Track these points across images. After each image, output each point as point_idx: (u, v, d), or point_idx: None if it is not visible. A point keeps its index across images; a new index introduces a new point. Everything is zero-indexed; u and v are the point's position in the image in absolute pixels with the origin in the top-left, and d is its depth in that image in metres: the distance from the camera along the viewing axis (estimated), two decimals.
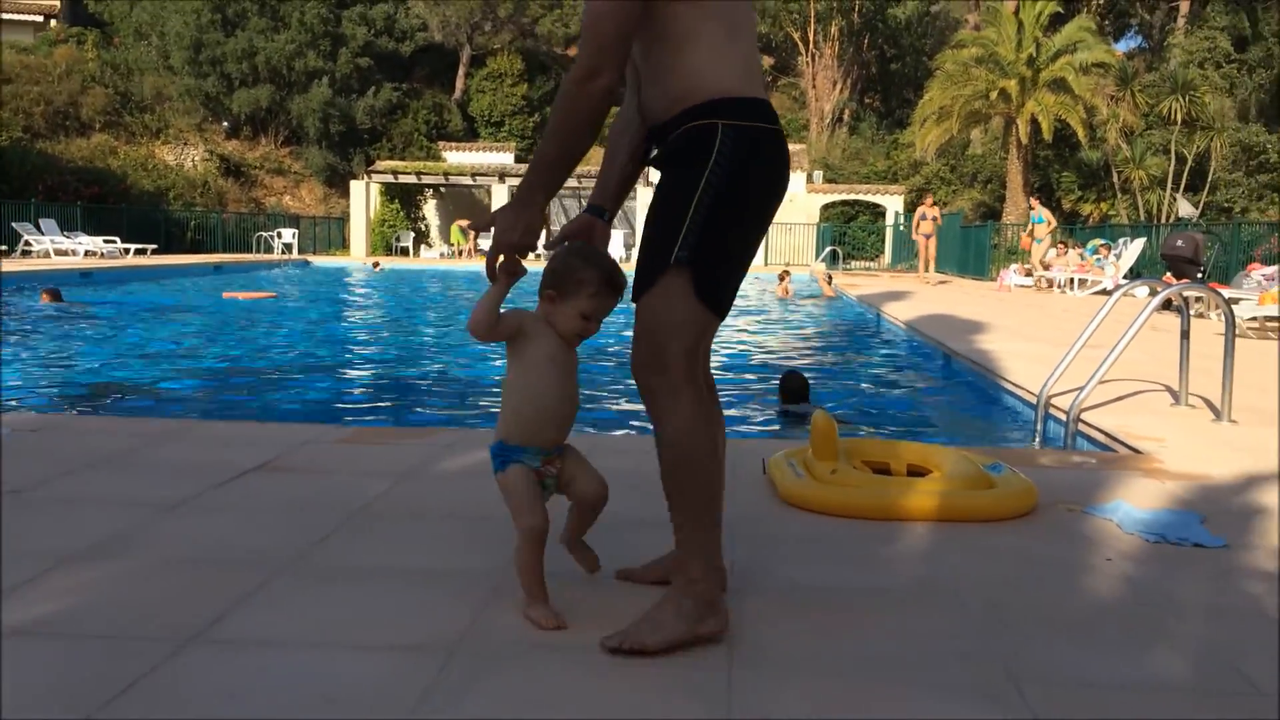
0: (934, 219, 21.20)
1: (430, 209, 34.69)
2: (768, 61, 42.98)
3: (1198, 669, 2.12)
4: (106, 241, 24.56)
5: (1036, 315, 12.55)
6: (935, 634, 2.27)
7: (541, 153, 2.15)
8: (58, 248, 23.00)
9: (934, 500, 3.16)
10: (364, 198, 31.34)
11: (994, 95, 28.31)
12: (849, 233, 33.68)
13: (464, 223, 31.71)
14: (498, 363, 9.17)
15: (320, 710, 1.85)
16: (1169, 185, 28.92)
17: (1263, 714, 1.92)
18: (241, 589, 2.43)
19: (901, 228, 31.39)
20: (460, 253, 31.88)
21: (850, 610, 2.40)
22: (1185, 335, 5.41)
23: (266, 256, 28.33)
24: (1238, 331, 7.32)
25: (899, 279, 22.96)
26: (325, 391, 7.38)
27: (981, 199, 34.13)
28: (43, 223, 24.23)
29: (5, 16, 36.43)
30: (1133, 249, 18.68)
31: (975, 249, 25.05)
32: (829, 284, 18.10)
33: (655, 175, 2.33)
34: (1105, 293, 16.86)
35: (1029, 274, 20.40)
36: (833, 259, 28.24)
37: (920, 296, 15.64)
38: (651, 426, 2.19)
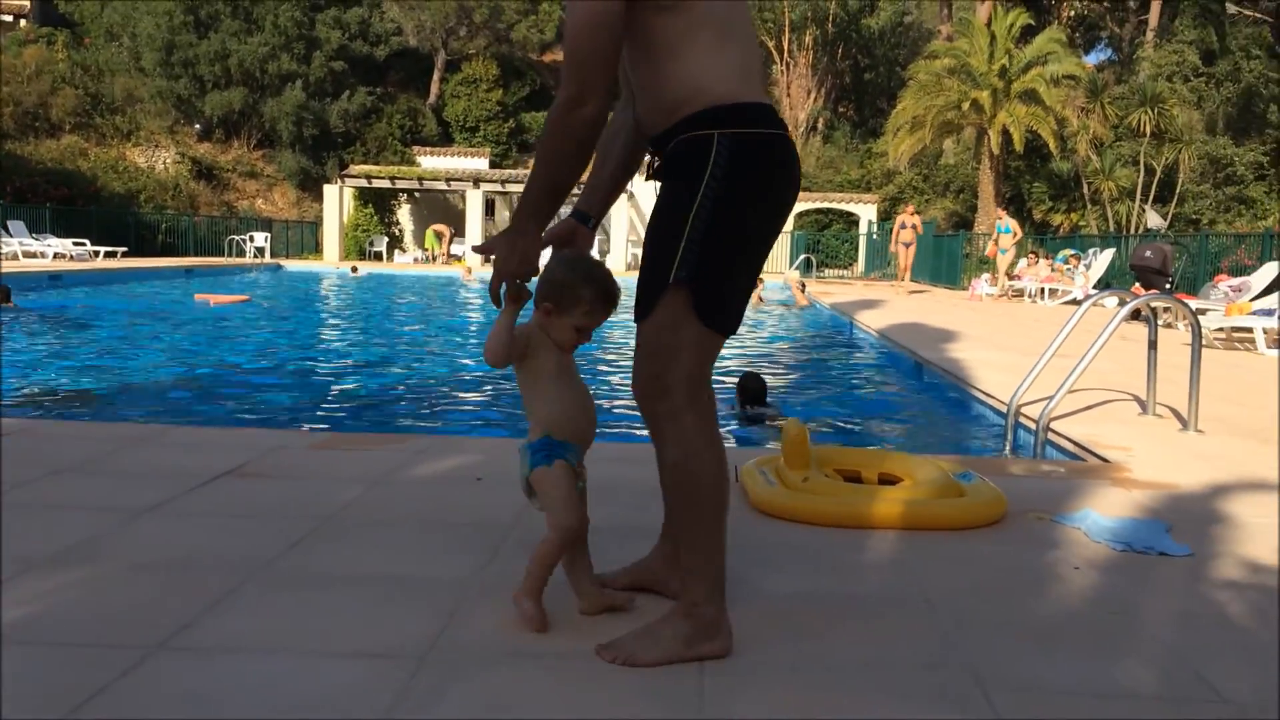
0: (914, 228, 20.89)
1: (404, 214, 34.55)
2: None
3: (1163, 676, 2.14)
4: (76, 244, 24.31)
5: (1007, 324, 12.65)
6: (904, 641, 2.28)
7: (532, 181, 2.11)
8: (26, 250, 22.73)
9: (904, 508, 3.18)
10: (337, 202, 31.17)
11: (966, 106, 28.53)
12: (823, 241, 33.83)
13: (451, 242, 31.61)
14: (472, 365, 9.16)
15: (290, 717, 1.85)
16: (1138, 196, 29.23)
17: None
18: (211, 595, 2.42)
19: (875, 236, 31.57)
20: (433, 258, 31.78)
21: (820, 617, 2.41)
22: (1153, 345, 5.47)
23: (239, 260, 28.13)
24: (1204, 342, 7.41)
25: (872, 287, 23.06)
26: (298, 396, 7.34)
27: (954, 208, 34.37)
28: (11, 225, 23.93)
29: None
30: (1102, 259, 18.88)
31: (948, 258, 25.23)
32: (802, 292, 18.16)
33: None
34: (1075, 302, 17.02)
35: (996, 283, 20.47)
36: (806, 267, 28.35)
37: (893, 305, 15.73)
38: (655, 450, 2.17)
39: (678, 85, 2.08)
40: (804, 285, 19.06)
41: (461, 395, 7.67)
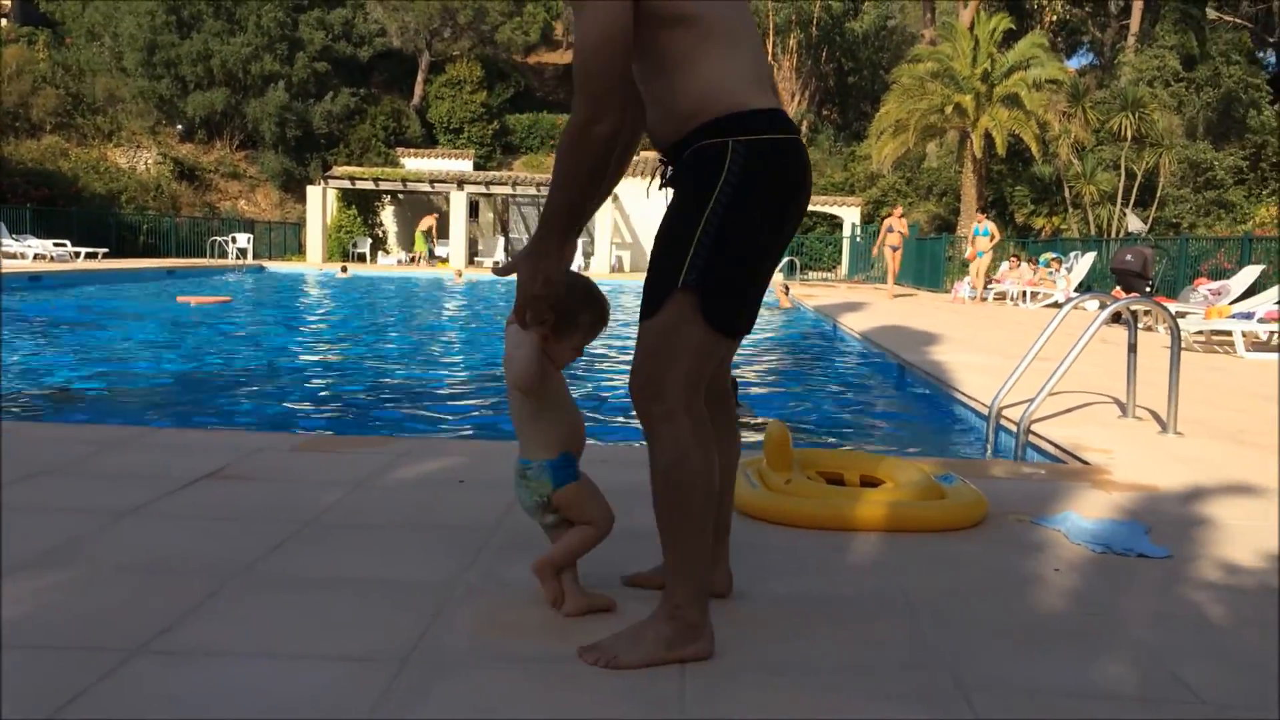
0: (901, 232, 20.55)
1: (388, 215, 34.47)
2: None
3: (1141, 677, 2.16)
4: (56, 245, 24.16)
5: (989, 327, 12.72)
6: (885, 642, 2.29)
7: (551, 202, 2.10)
8: (6, 251, 22.57)
9: (886, 511, 3.20)
10: (320, 203, 31.06)
11: (949, 109, 28.66)
12: (806, 244, 33.91)
13: (436, 233, 31.53)
14: (455, 367, 9.14)
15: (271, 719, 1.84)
16: (1119, 200, 29.43)
17: None
18: (191, 598, 2.41)
19: (858, 239, 31.66)
20: (415, 259, 31.72)
21: (802, 619, 2.42)
22: (1133, 348, 5.51)
23: (221, 261, 28.00)
24: (1184, 345, 7.47)
25: (856, 290, 23.12)
26: (281, 398, 7.32)
27: (937, 212, 34.52)
28: None
29: None
30: (1083, 263, 19.00)
31: (930, 261, 25.35)
32: (786, 295, 18.20)
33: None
34: (1056, 305, 17.13)
35: (974, 286, 20.49)
36: (790, 269, 28.41)
37: (875, 308, 15.78)
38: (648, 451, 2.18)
39: (691, 95, 2.10)
40: (787, 288, 19.10)
41: (445, 398, 7.66)
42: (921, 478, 3.47)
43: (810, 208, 35.29)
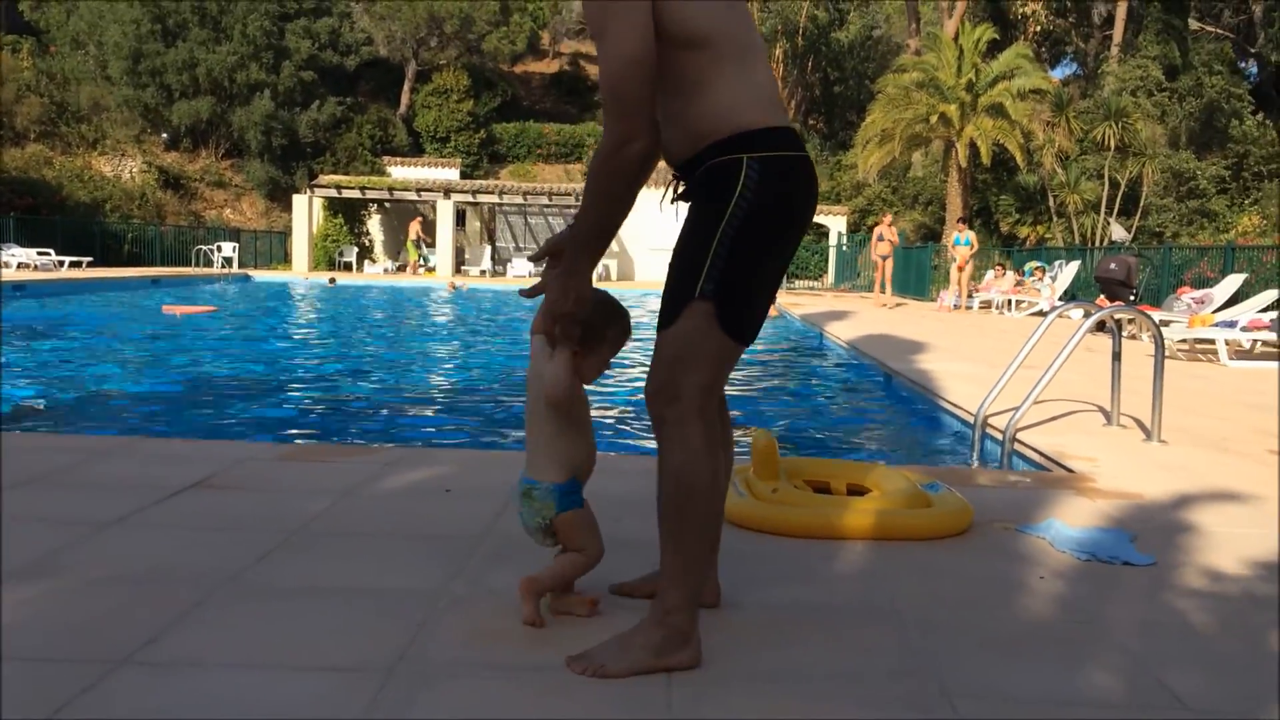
0: (891, 240, 20.33)
1: (374, 224, 34.40)
2: None
3: (1126, 684, 2.17)
4: (40, 254, 24.05)
5: (975, 336, 12.76)
6: (871, 650, 2.30)
7: (582, 222, 2.16)
8: None
9: (872, 519, 3.21)
10: (306, 212, 30.98)
11: (934, 119, 28.77)
12: None
13: (422, 239, 31.48)
14: (443, 377, 9.13)
15: None
16: (1103, 209, 29.58)
17: None
18: (176, 609, 2.40)
19: (844, 248, 31.74)
20: (402, 268, 31.67)
21: (789, 627, 2.43)
22: (1117, 357, 5.54)
23: (206, 270, 27.89)
24: (1168, 353, 7.51)
25: (842, 299, 23.18)
26: (267, 408, 7.29)
27: (922, 220, 34.64)
28: None
29: None
30: (1068, 272, 19.09)
31: (916, 270, 25.42)
32: (773, 304, 18.20)
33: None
34: (1041, 314, 17.20)
35: (955, 295, 20.52)
36: None
37: (862, 316, 15.82)
38: (656, 454, 2.20)
39: (706, 115, 2.16)
40: (773, 297, 19.09)
41: (432, 407, 7.64)
42: (908, 486, 3.48)
43: None
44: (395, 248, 34.31)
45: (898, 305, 20.40)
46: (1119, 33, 36.03)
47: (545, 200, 31.24)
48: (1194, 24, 35.44)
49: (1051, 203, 31.05)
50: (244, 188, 37.13)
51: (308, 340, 12.91)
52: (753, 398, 8.30)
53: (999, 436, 5.03)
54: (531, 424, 2.38)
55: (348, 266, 31.52)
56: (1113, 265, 13.71)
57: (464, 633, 2.31)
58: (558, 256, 2.37)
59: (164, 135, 36.17)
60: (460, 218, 33.60)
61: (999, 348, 10.53)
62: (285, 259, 33.34)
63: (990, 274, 21.56)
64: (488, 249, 33.14)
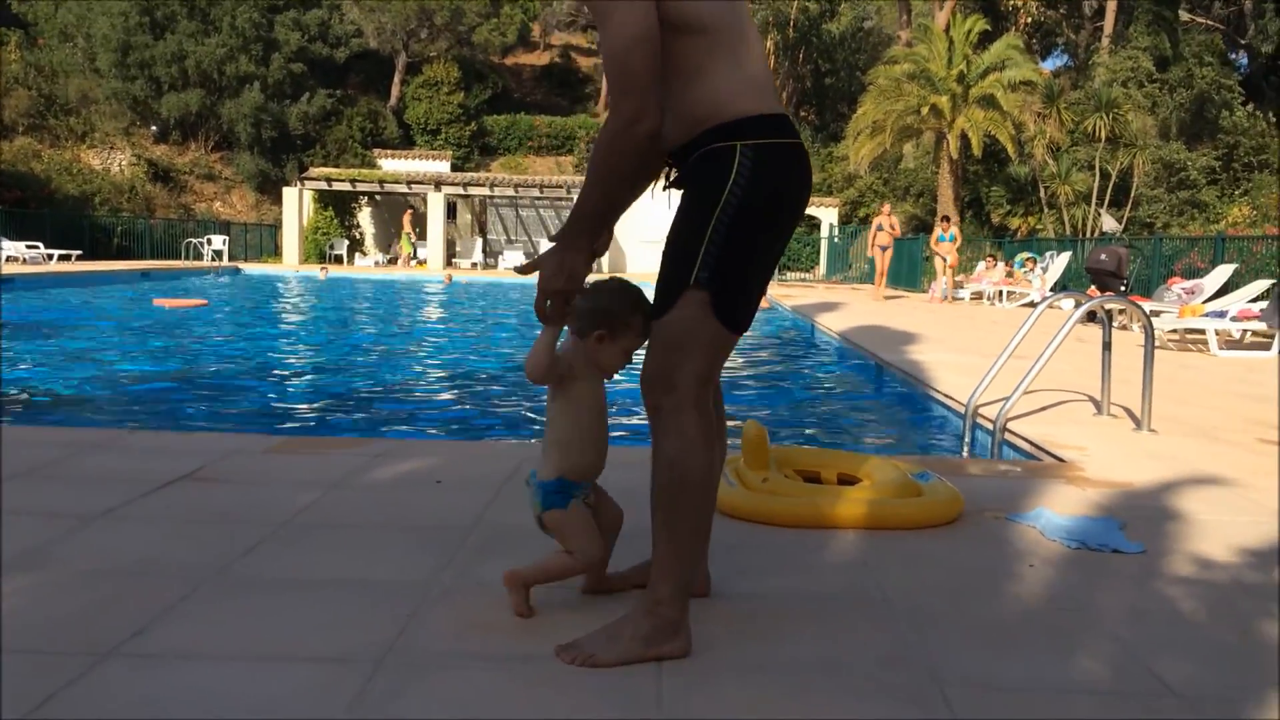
0: (891, 230, 19.82)
1: (365, 217, 34.32)
2: None
3: (1116, 672, 2.17)
4: (29, 247, 23.95)
5: (966, 327, 12.78)
6: (862, 638, 2.30)
7: (585, 199, 2.13)
8: None
9: (863, 508, 3.20)
10: (297, 205, 30.89)
11: (925, 110, 28.79)
12: None
13: (415, 233, 31.41)
14: (434, 369, 9.11)
15: None
16: (1093, 200, 29.64)
17: (1176, 714, 1.97)
18: (164, 601, 2.39)
19: (836, 240, 31.76)
20: (393, 261, 31.60)
21: (780, 616, 2.42)
22: (1107, 347, 5.55)
23: (196, 264, 27.79)
24: (1158, 343, 7.52)
25: (834, 290, 23.19)
26: (256, 400, 7.27)
27: (914, 212, 34.67)
28: None
29: None
30: (1059, 262, 19.12)
31: (908, 261, 25.44)
32: (764, 295, 18.18)
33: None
34: (1032, 305, 17.23)
35: (942, 287, 20.49)
36: None
37: (854, 308, 15.83)
38: (651, 443, 2.19)
39: (701, 101, 2.14)
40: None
41: (422, 398, 7.63)
42: (898, 475, 3.48)
43: None
44: (386, 240, 34.25)
45: (889, 298, 20.30)
46: (1110, 24, 36.09)
47: (536, 192, 31.21)
48: (1184, 15, 35.49)
49: (1042, 194, 31.10)
50: (234, 180, 37.03)
51: (298, 333, 12.88)
52: (744, 388, 8.30)
53: (989, 426, 5.04)
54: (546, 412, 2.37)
55: (338, 259, 31.44)
56: (1103, 256, 13.73)
57: (453, 624, 2.31)
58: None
59: (153, 128, 36.04)
60: (451, 210, 33.54)
61: (990, 338, 10.55)
62: (275, 252, 33.25)
63: (981, 265, 21.60)
64: (479, 241, 33.09)
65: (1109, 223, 25.58)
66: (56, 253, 24.13)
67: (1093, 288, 13.85)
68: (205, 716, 1.84)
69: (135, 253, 30.08)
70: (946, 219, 22.06)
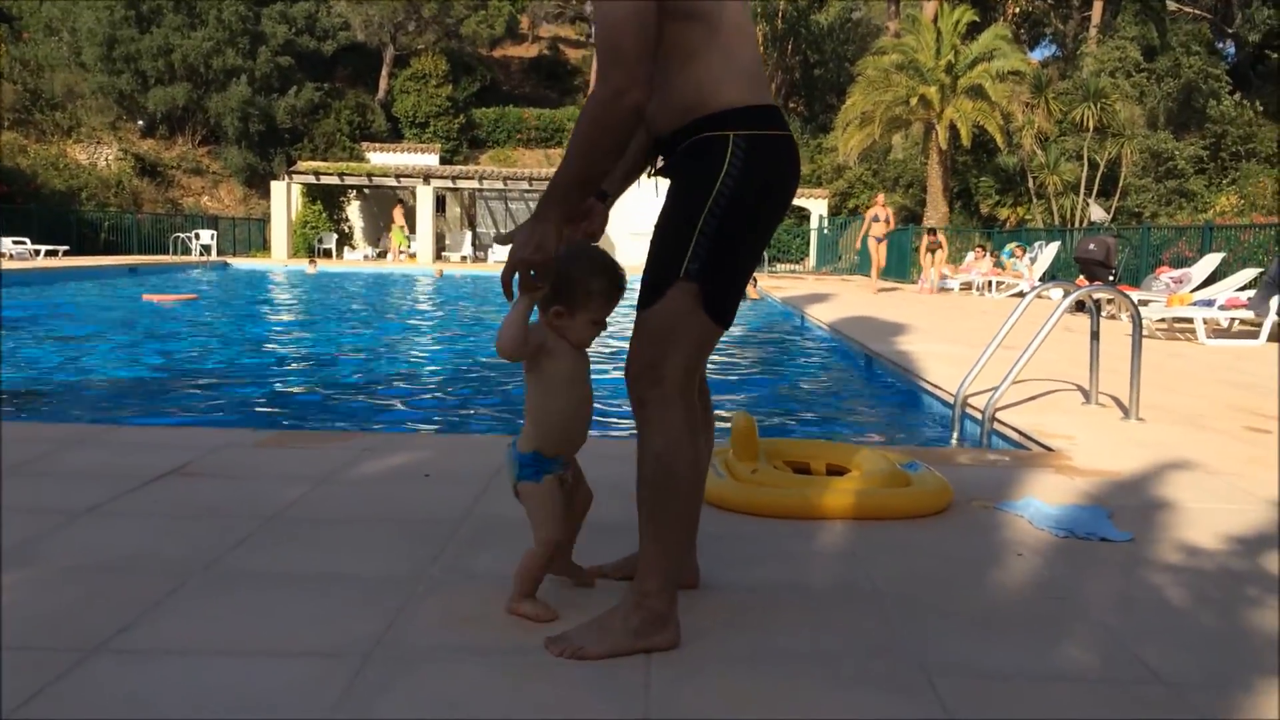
0: (886, 220, 19.50)
1: (353, 210, 34.21)
2: None
3: (1103, 659, 2.18)
4: (16, 243, 23.85)
5: (955, 317, 12.80)
6: (852, 629, 2.30)
7: (564, 172, 2.07)
8: None
9: (852, 499, 3.21)
10: (285, 199, 30.76)
11: (914, 101, 28.80)
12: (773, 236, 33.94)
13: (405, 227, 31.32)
14: (424, 363, 9.09)
15: (231, 717, 1.82)
16: (1082, 190, 29.70)
17: (1163, 701, 1.98)
18: (151, 596, 2.38)
19: (825, 231, 31.77)
20: (382, 255, 31.50)
21: (769, 607, 2.43)
22: (1095, 336, 5.56)
23: (184, 258, 27.67)
24: (1146, 332, 7.54)
25: (823, 281, 23.20)
26: (244, 395, 7.25)
27: (903, 203, 34.69)
28: None
29: None
30: (1047, 252, 19.16)
31: (898, 252, 25.46)
32: (754, 286, 18.21)
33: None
34: (1021, 295, 17.26)
35: (940, 277, 20.54)
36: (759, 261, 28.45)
37: (843, 299, 15.85)
38: (636, 436, 2.18)
39: (693, 89, 2.12)
40: (755, 280, 19.11)
41: (411, 392, 7.61)
42: (887, 466, 3.49)
43: None
44: (375, 234, 34.15)
45: (885, 290, 20.25)
46: (1097, 14, 36.11)
47: (525, 185, 31.12)
48: (1171, 5, 35.54)
49: (1031, 184, 31.15)
50: (221, 175, 36.86)
51: (287, 327, 12.84)
52: (733, 379, 8.30)
53: (978, 416, 5.05)
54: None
55: (327, 253, 31.34)
56: (1092, 246, 13.77)
57: (442, 617, 2.30)
58: (574, 217, 2.29)
59: (140, 122, 35.84)
60: (440, 203, 33.46)
61: (979, 328, 10.57)
62: (264, 246, 33.13)
63: (970, 255, 21.63)
64: (468, 235, 33.02)
65: (1097, 212, 25.63)
66: (43, 248, 24.01)
67: (1081, 277, 13.90)
68: (193, 712, 1.84)
69: (123, 248, 29.96)
70: (931, 232, 21.85)
